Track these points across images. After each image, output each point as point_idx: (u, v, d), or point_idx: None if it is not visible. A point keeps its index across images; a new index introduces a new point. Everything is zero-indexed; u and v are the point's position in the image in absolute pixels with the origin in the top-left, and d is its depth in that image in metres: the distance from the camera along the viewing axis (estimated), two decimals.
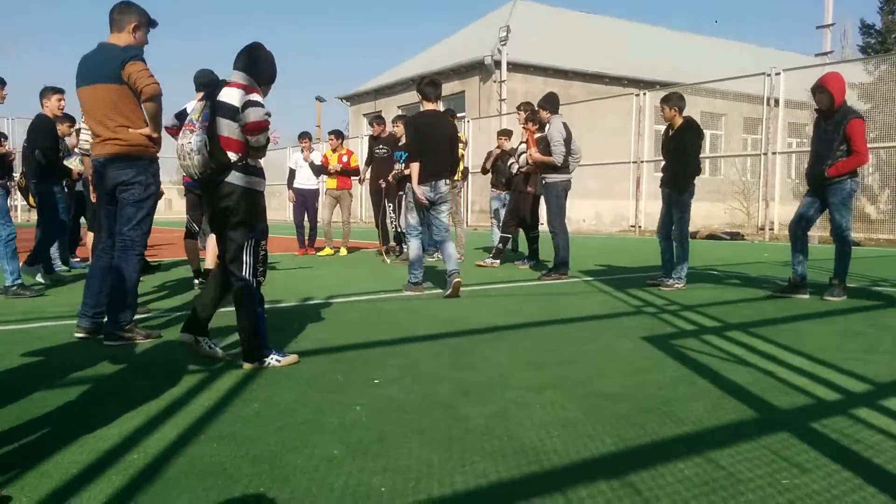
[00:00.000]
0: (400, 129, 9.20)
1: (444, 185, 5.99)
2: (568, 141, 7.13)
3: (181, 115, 5.65)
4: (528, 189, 8.21)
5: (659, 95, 19.98)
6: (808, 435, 2.45)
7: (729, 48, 30.30)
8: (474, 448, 2.35)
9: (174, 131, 5.36)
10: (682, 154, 6.23)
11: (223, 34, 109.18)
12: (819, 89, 5.55)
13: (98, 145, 4.01)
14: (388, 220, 9.82)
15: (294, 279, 7.29)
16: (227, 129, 3.35)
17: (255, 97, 3.37)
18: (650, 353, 3.77)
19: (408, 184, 6.19)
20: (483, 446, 2.36)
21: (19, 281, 5.85)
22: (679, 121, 6.33)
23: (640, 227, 16.71)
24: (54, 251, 7.23)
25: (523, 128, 8.28)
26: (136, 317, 4.19)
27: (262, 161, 3.55)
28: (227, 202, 3.37)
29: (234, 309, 3.49)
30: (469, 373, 3.35)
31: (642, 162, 16.72)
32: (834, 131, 5.48)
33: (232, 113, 3.34)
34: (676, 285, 6.30)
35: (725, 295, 6.03)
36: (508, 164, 8.53)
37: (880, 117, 16.03)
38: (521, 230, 9.02)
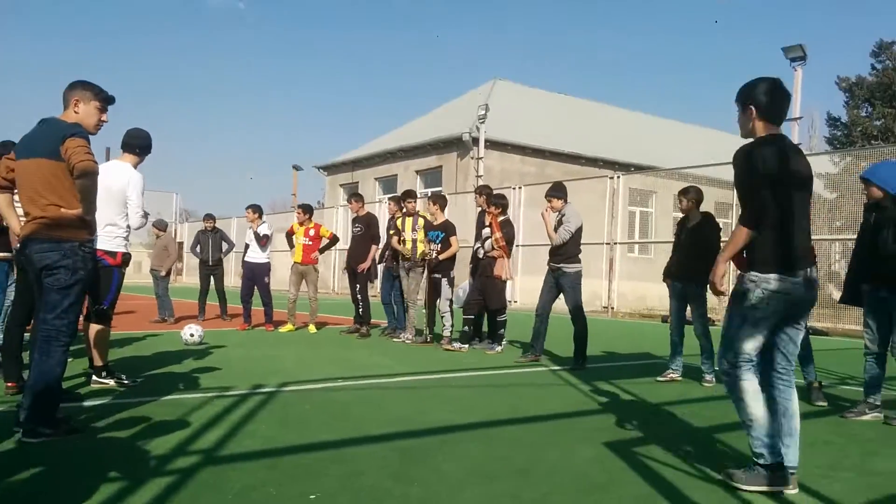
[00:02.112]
0: (413, 205, 9.04)
1: None
2: (579, 232, 7.10)
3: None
4: (496, 274, 8.05)
5: (633, 178, 20.53)
6: None
7: (702, 134, 31.22)
8: None
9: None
10: (702, 248, 6.14)
11: (212, 94, 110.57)
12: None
13: (26, 224, 3.79)
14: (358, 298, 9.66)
15: (252, 360, 7.01)
16: None
17: None
18: (610, 465, 3.55)
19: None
20: None
21: None
22: (697, 214, 6.33)
23: (612, 308, 16.66)
24: None
25: (487, 212, 8.22)
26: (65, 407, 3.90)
27: None
28: None
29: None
30: (416, 487, 3.11)
31: (616, 243, 16.81)
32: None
33: None
34: (708, 378, 6.21)
35: (693, 391, 5.87)
36: (474, 248, 8.40)
37: (846, 206, 16.35)
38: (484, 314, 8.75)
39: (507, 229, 8.17)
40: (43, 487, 2.99)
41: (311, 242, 9.97)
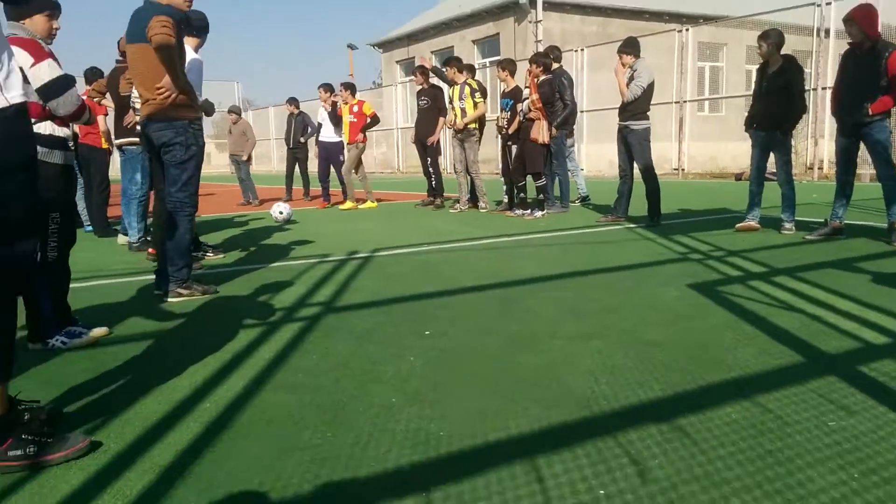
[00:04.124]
0: (453, 73, 9.10)
1: None
2: (650, 88, 7.04)
3: None
4: (532, 137, 8.05)
5: (702, 31, 19.53)
6: (855, 378, 2.50)
7: None
8: (526, 395, 2.45)
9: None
10: (787, 93, 6.03)
11: None
12: (848, 22, 5.41)
13: (143, 107, 4.10)
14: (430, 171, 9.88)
15: (338, 234, 7.44)
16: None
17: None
18: (695, 301, 3.81)
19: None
20: (534, 394, 2.46)
21: (142, 237, 6.36)
22: (778, 58, 6.16)
23: (683, 169, 16.43)
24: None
25: (528, 71, 8.14)
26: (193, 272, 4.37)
27: None
28: None
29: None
30: (516, 324, 3.44)
31: (685, 102, 16.34)
32: (872, 66, 5.31)
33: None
34: (788, 227, 6.23)
35: (771, 239, 5.98)
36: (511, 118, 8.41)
37: None
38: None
39: (545, 89, 8.09)
40: (193, 336, 3.45)
41: (355, 120, 10.08)
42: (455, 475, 1.88)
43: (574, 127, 9.38)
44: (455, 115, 9.04)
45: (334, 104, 10.44)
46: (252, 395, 2.53)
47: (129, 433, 2.23)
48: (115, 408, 2.44)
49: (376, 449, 2.06)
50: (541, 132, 7.96)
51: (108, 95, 6.70)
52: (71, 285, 3.41)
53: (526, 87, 8.14)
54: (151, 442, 2.16)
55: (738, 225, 6.49)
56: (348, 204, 10.29)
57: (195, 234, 5.73)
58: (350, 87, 10.25)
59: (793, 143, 6.65)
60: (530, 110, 7.98)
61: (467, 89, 8.91)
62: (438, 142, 9.88)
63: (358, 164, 10.21)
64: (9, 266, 1.95)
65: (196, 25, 5.43)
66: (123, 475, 1.95)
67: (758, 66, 6.48)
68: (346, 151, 10.41)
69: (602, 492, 1.76)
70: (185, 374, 2.78)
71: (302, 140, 12.13)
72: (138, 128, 4.62)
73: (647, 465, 1.90)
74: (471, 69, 9.25)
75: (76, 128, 7.50)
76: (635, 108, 7.07)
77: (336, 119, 10.35)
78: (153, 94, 3.95)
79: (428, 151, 9.87)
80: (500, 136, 9.05)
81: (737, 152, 16.49)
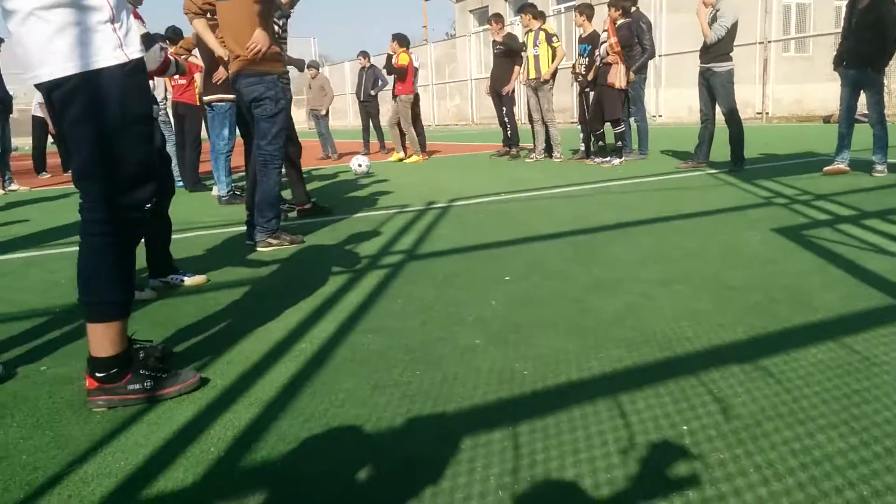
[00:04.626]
0: (528, 20, 8.99)
1: None
2: (734, 28, 6.78)
3: None
4: (609, 82, 7.86)
5: None
6: None
7: None
8: (607, 337, 2.50)
9: None
10: (880, 28, 5.72)
11: None
12: None
13: (234, 62, 4.26)
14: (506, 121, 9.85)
15: (416, 185, 7.55)
16: None
17: None
18: (780, 244, 3.73)
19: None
20: (615, 335, 2.51)
21: (231, 191, 6.72)
22: None
23: (767, 113, 15.74)
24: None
25: (608, 15, 7.91)
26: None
27: None
28: None
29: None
30: (595, 268, 3.47)
31: (769, 42, 15.53)
32: None
33: None
34: (880, 169, 5.97)
35: (862, 182, 5.73)
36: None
37: None
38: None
39: (624, 33, 7.85)
40: (284, 283, 3.63)
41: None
42: (540, 411, 1.96)
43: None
44: (529, 62, 8.92)
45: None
46: (343, 337, 2.67)
47: (233, 371, 2.40)
48: (219, 348, 2.62)
49: (463, 386, 2.16)
50: (618, 76, 7.80)
51: (195, 53, 6.93)
52: (199, 232, 3.61)
53: (604, 30, 7.95)
54: (254, 379, 2.33)
55: (826, 168, 6.24)
56: (395, 156, 10.41)
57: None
58: (398, 38, 10.26)
59: (885, 81, 6.29)
60: (608, 54, 7.81)
61: (542, 35, 8.77)
62: (513, 91, 9.80)
63: (412, 117, 10.27)
64: (129, 211, 2.11)
65: None
66: (231, 408, 2.12)
67: (847, 1, 6.12)
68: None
69: (685, 427, 1.81)
70: (280, 317, 2.94)
71: (372, 93, 12.22)
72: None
73: (730, 402, 1.93)
74: (542, 16, 9.08)
75: (169, 86, 7.82)
76: (718, 50, 6.82)
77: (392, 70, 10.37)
78: (244, 51, 4.08)
79: (503, 101, 9.81)
80: (577, 84, 8.90)
81: (825, 94, 15.61)
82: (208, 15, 4.49)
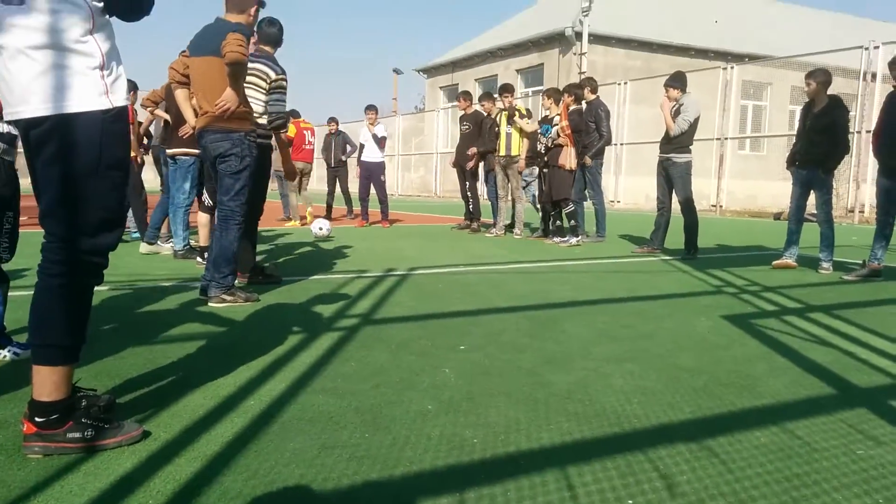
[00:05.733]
0: (507, 101, 9.31)
1: None
2: (696, 123, 7.11)
3: None
4: (560, 163, 8.13)
5: (746, 69, 19.51)
6: (886, 412, 2.51)
7: (822, 18, 28.89)
8: (558, 410, 2.51)
9: None
10: (832, 132, 6.08)
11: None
12: (893, 66, 5.65)
13: (200, 118, 4.30)
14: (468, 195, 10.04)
15: (376, 251, 7.58)
16: None
17: None
18: (729, 331, 3.83)
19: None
20: (566, 408, 2.53)
21: (187, 246, 6.61)
22: (824, 98, 6.22)
23: (721, 206, 16.35)
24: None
25: (562, 100, 8.27)
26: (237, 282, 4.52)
27: None
28: None
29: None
30: (550, 343, 3.51)
31: (727, 139, 16.29)
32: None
33: None
34: (826, 266, 6.21)
35: (808, 278, 5.96)
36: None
37: None
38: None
39: (574, 118, 8.20)
40: (237, 339, 3.58)
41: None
42: (488, 479, 1.95)
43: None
44: (501, 140, 9.16)
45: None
46: (293, 396, 2.64)
47: (178, 424, 2.34)
48: (165, 401, 2.56)
49: (413, 451, 2.14)
50: (568, 158, 8.08)
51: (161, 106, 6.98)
52: (112, 290, 3.56)
53: (557, 114, 8.27)
54: (199, 433, 2.27)
55: (774, 262, 6.48)
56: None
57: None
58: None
59: (834, 184, 6.64)
60: (559, 136, 8.11)
61: (517, 114, 9.05)
62: (477, 167, 10.04)
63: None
64: (91, 255, 2.10)
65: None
66: (173, 461, 2.06)
67: (803, 105, 6.51)
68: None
69: (630, 502, 1.82)
70: (230, 374, 2.89)
71: (343, 159, 12.37)
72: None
73: (676, 479, 1.95)
74: (490, 98, 9.55)
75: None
76: (679, 142, 7.14)
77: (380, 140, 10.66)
78: (212, 107, 4.13)
79: (466, 175, 10.03)
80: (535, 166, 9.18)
81: (777, 192, 16.36)
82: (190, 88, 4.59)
